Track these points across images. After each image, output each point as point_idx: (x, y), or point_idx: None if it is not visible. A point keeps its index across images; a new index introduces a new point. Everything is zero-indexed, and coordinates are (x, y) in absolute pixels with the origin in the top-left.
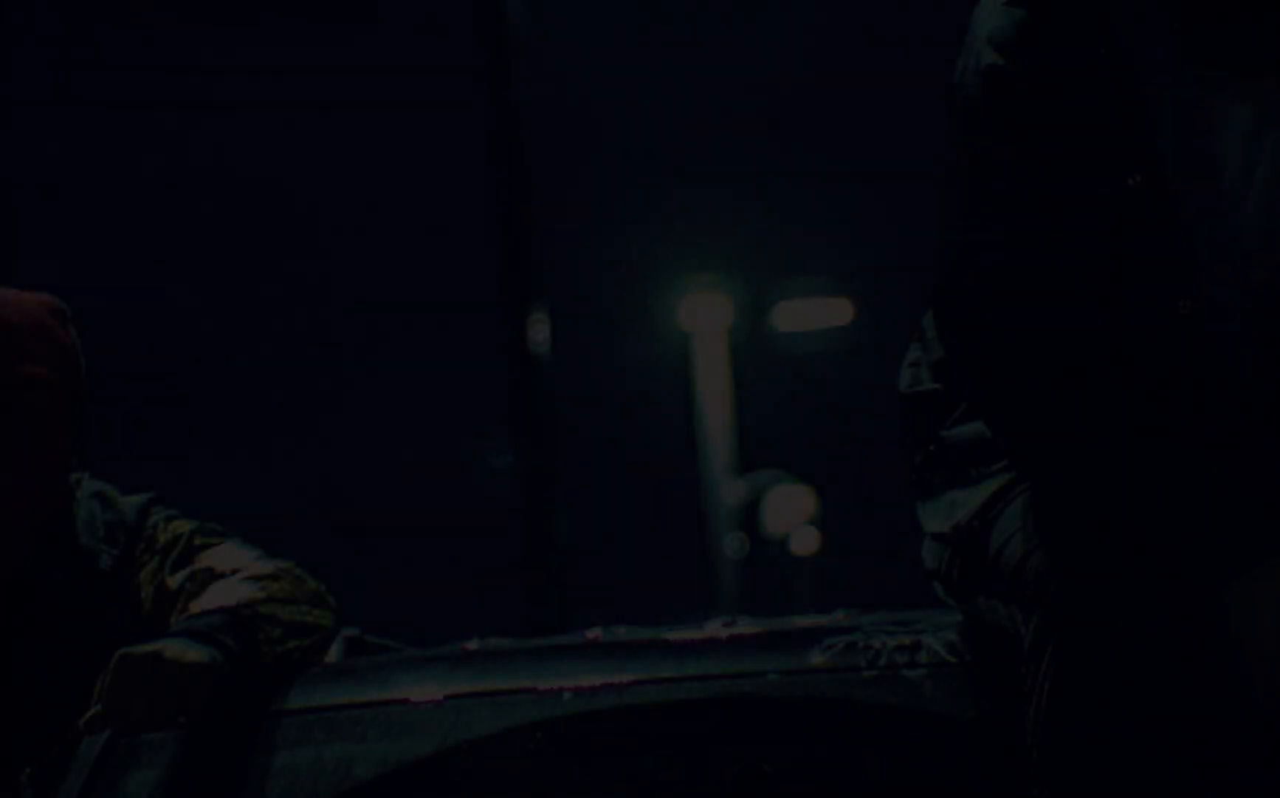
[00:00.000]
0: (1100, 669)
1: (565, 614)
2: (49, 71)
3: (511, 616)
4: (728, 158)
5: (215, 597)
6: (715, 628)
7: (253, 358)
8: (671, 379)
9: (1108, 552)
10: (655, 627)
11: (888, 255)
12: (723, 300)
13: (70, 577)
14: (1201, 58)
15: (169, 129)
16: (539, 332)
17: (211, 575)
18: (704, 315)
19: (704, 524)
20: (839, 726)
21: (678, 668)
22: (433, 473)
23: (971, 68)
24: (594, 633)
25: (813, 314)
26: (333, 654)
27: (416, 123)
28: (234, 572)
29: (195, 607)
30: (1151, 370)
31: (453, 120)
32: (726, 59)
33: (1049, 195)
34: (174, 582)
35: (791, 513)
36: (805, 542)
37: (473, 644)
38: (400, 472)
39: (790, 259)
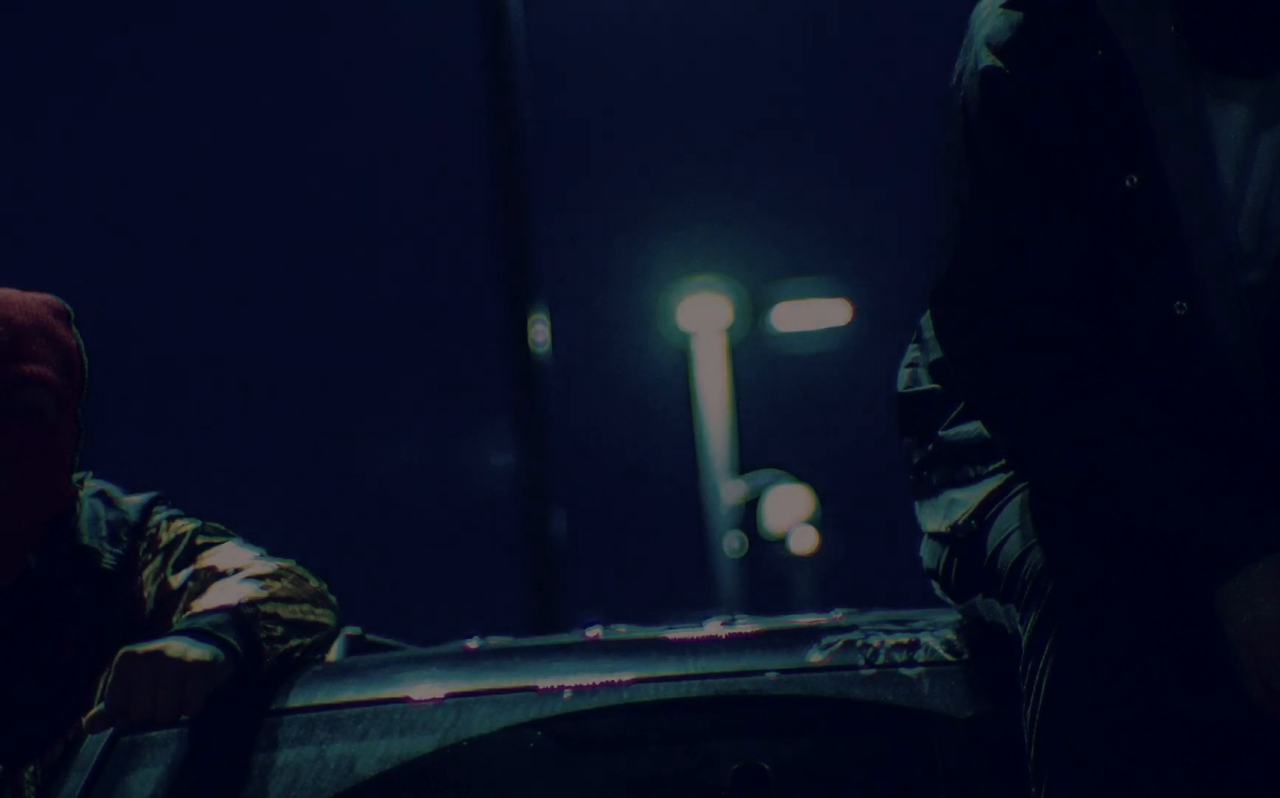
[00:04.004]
0: (1097, 668)
1: (565, 614)
2: (48, 72)
3: (511, 615)
4: (727, 158)
5: (217, 596)
6: (714, 627)
7: (254, 359)
8: (671, 379)
9: (1104, 551)
10: (655, 625)
11: (886, 256)
12: (722, 300)
13: (73, 576)
14: (1198, 60)
15: (174, 130)
16: (539, 332)
17: (213, 575)
18: (704, 315)
19: (703, 523)
20: (837, 724)
21: (677, 667)
22: (433, 473)
23: (969, 69)
24: (594, 632)
25: (811, 314)
26: (334, 653)
27: (417, 124)
28: (236, 571)
29: (197, 606)
30: (1148, 371)
31: (453, 120)
32: (726, 60)
33: (1045, 196)
34: (176, 581)
35: (790, 512)
36: (804, 541)
37: (473, 643)
38: (400, 471)
39: (789, 259)
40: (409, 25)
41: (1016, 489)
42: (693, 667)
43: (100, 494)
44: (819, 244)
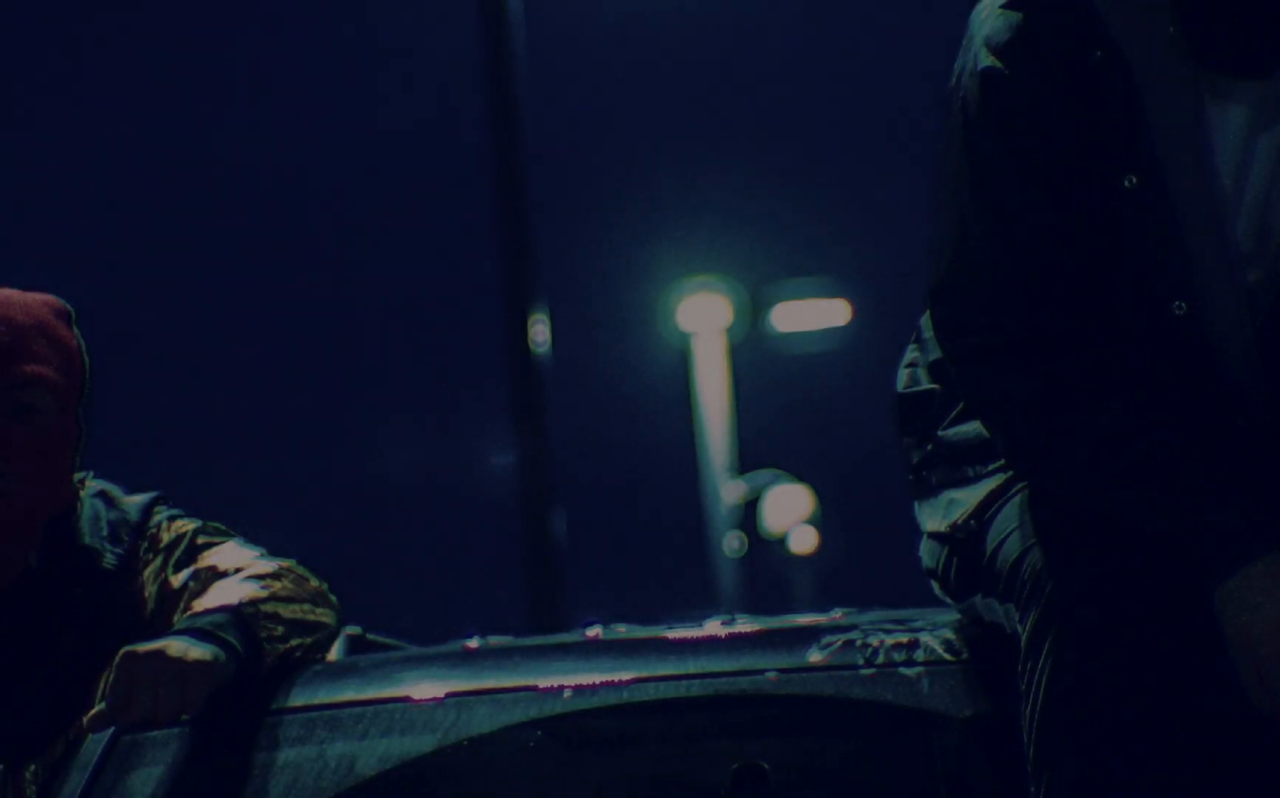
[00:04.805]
0: (1096, 668)
1: (565, 614)
2: (46, 71)
3: (511, 615)
4: (727, 158)
5: (218, 595)
6: (714, 626)
7: (255, 359)
8: (671, 379)
9: (1103, 551)
10: (655, 625)
11: (886, 256)
12: (722, 300)
13: (74, 575)
14: (1197, 60)
15: (178, 133)
16: (539, 332)
17: (214, 574)
18: (704, 315)
19: (703, 523)
20: (837, 723)
21: (677, 666)
22: (433, 473)
23: (969, 70)
24: (594, 631)
25: (811, 314)
26: (335, 652)
27: (417, 124)
28: (236, 571)
29: (198, 605)
30: (1147, 371)
31: (453, 121)
32: (726, 60)
33: (1045, 197)
34: (177, 581)
35: (790, 512)
36: (803, 541)
37: (474, 642)
38: (401, 471)
39: (789, 259)
40: (409, 25)
41: (1016, 489)
42: (693, 667)
43: (101, 494)
44: (819, 244)
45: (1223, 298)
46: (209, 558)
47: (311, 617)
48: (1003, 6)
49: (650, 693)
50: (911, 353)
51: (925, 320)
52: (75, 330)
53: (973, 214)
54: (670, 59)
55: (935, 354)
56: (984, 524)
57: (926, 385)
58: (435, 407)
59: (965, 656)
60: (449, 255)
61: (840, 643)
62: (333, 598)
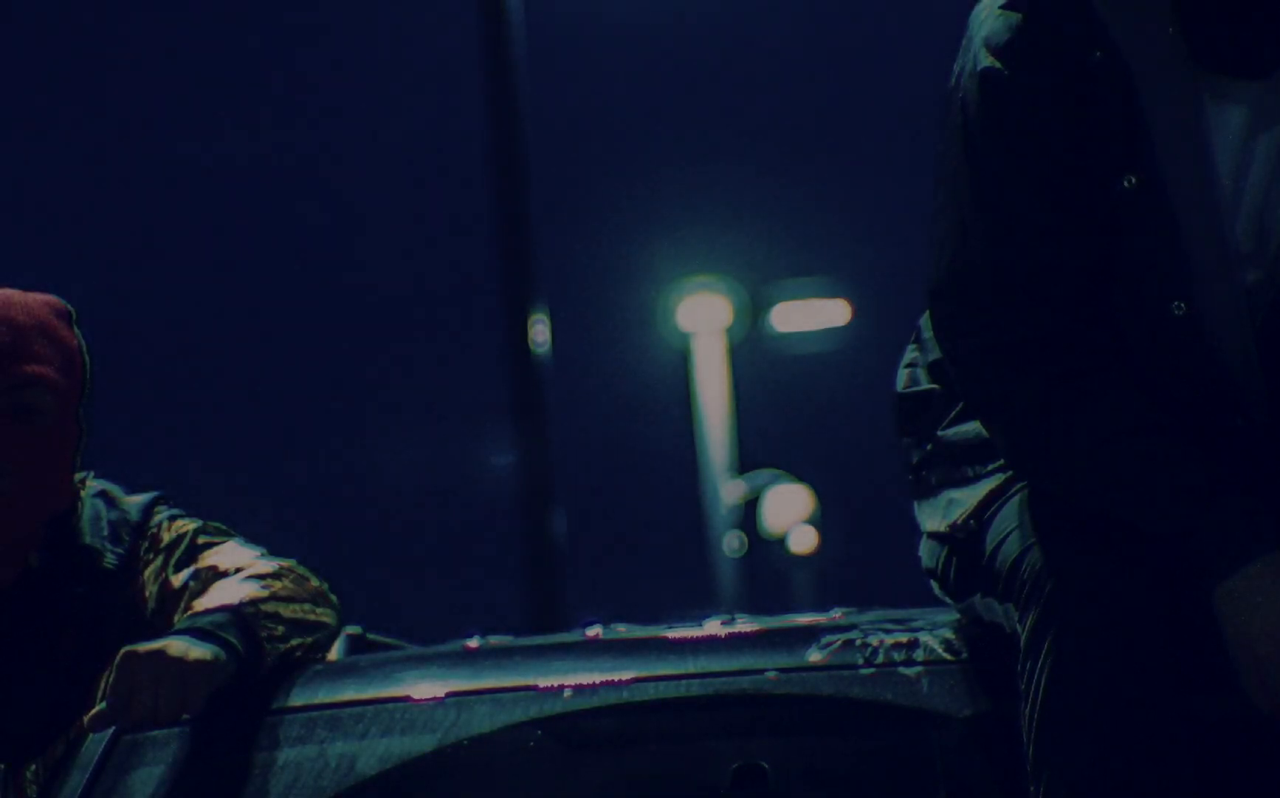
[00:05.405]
0: (1095, 667)
1: (565, 614)
2: (48, 72)
3: (511, 615)
4: (727, 158)
5: (218, 595)
6: (714, 626)
7: (255, 359)
8: (671, 379)
9: (1103, 550)
10: (655, 625)
11: (886, 256)
12: (722, 300)
13: (75, 575)
14: (1197, 60)
15: (178, 133)
16: (539, 332)
17: (215, 574)
18: (704, 315)
19: (703, 523)
20: (836, 723)
21: (677, 666)
22: (433, 473)
23: (968, 70)
24: (594, 631)
25: (811, 314)
26: (335, 652)
27: (417, 124)
28: (237, 570)
29: (199, 605)
30: (1146, 371)
31: (453, 120)
32: (726, 61)
33: (1044, 197)
34: (178, 580)
35: (789, 512)
36: (803, 540)
37: (474, 642)
38: (401, 471)
39: (789, 259)
40: (409, 25)
41: (1015, 489)
42: (693, 666)
43: (102, 494)
44: (819, 244)
45: (1222, 298)
46: (209, 558)
47: (312, 617)
48: (1002, 7)
49: (650, 693)
50: (911, 353)
51: (925, 320)
52: (76, 330)
53: (972, 214)
54: (670, 58)
55: (935, 354)
56: (983, 524)
57: (926, 385)
58: (435, 407)
59: (965, 655)
60: (449, 255)
61: (840, 643)
62: (333, 598)
